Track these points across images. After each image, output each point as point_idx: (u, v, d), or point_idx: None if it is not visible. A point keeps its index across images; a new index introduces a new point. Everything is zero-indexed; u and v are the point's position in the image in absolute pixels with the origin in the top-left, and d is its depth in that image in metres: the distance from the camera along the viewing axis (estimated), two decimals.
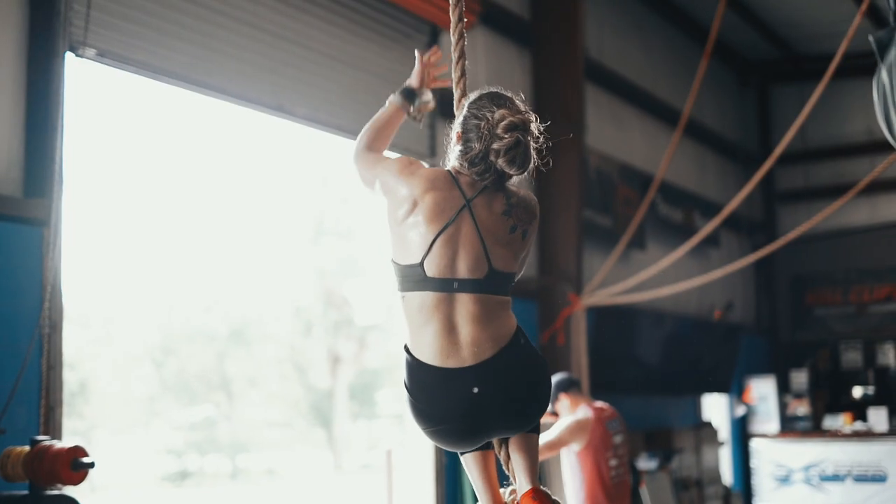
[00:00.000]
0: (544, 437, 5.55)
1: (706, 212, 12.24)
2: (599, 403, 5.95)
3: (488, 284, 2.84)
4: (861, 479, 11.38)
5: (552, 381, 5.26)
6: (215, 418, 22.94)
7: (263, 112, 6.53)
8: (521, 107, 2.97)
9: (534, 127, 2.93)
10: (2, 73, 5.13)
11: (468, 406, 2.80)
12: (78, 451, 4.52)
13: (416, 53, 3.41)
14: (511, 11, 9.05)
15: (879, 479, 11.31)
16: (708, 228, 9.13)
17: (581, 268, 9.11)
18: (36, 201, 5.11)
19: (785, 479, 11.80)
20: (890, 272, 13.26)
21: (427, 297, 2.83)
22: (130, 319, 21.08)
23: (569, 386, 5.91)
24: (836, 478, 11.52)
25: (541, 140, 2.95)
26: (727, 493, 11.48)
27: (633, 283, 8.95)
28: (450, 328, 2.82)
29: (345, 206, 23.97)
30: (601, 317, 9.51)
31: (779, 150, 8.58)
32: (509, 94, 3.01)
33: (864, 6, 8.22)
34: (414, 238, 2.87)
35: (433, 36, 7.89)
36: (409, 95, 3.37)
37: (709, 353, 11.50)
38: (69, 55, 5.33)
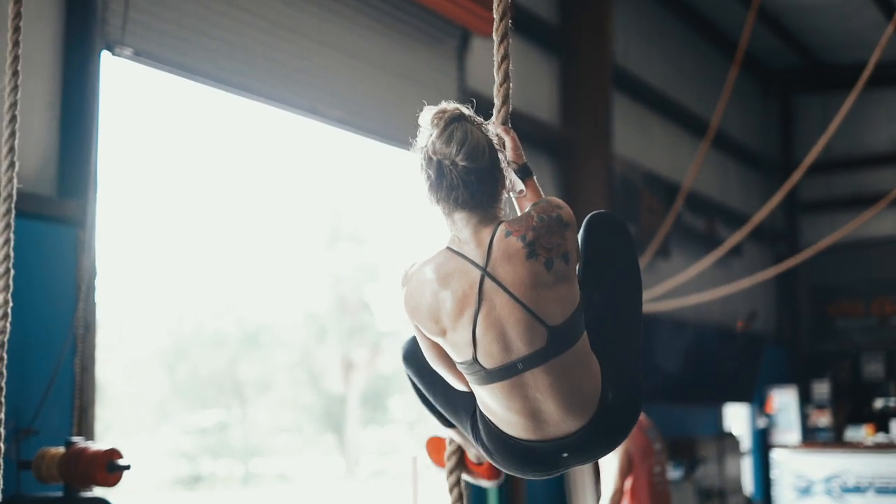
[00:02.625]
0: (610, 489, 5.46)
1: (728, 221, 12.20)
2: None
3: (554, 346, 2.45)
4: (883, 491, 11.30)
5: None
6: (227, 422, 22.92)
7: (296, 114, 6.50)
8: (459, 134, 2.56)
9: (462, 112, 2.60)
10: (38, 71, 5.10)
11: (553, 466, 2.57)
12: (114, 454, 4.48)
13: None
14: (540, 17, 9.02)
15: None
16: (734, 239, 9.10)
17: None
18: (71, 201, 5.08)
19: (806, 491, 11.71)
20: None
21: (496, 388, 2.48)
22: (143, 322, 21.08)
23: None
24: (857, 490, 11.43)
25: (478, 123, 2.61)
26: (748, 503, 11.42)
27: (659, 292, 8.91)
28: (530, 408, 2.49)
29: (361, 211, 23.99)
30: None
31: (809, 160, 8.55)
32: (462, 119, 2.62)
33: None
34: (457, 340, 2.49)
35: (464, 40, 7.86)
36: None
37: (731, 362, 11.43)
38: (105, 54, 5.30)
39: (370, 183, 21.38)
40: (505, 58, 2.95)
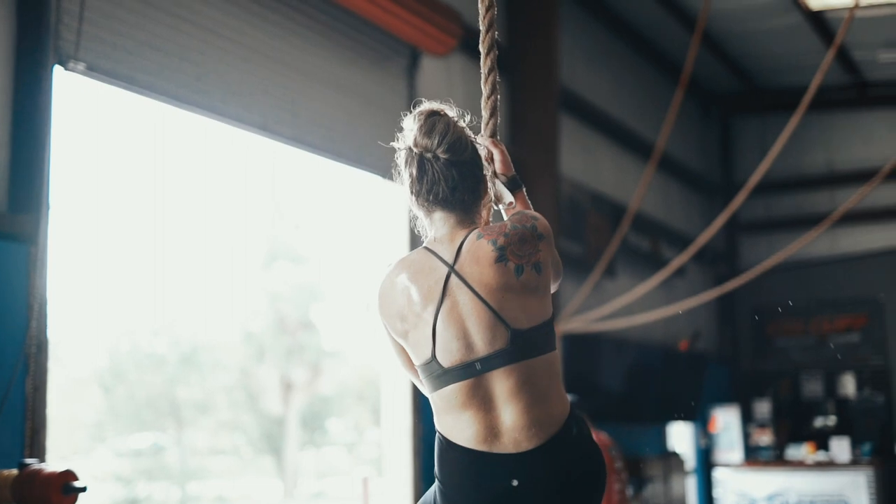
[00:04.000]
0: None
1: (672, 241, 12.32)
2: (599, 432, 5.92)
3: (516, 350, 2.39)
4: None
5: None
6: (163, 445, 22.60)
7: (248, 131, 6.44)
8: (440, 128, 2.62)
9: (444, 112, 2.63)
10: None
11: (505, 498, 2.38)
12: (69, 475, 4.39)
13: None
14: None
15: None
16: (680, 260, 9.19)
17: (556, 295, 9.08)
18: (22, 217, 4.98)
19: None
20: (850, 303, 13.40)
21: (453, 390, 2.41)
22: (80, 342, 20.75)
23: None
24: None
25: (460, 123, 2.64)
26: None
27: (606, 312, 8.96)
28: (487, 411, 2.40)
29: (301, 229, 23.87)
30: (572, 344, 9.50)
31: (753, 182, 8.68)
32: (439, 117, 2.66)
33: (837, 41, 8.37)
34: (419, 338, 2.46)
35: (413, 59, 7.86)
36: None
37: (675, 381, 11.53)
38: (58, 69, 5.21)
39: (313, 201, 21.31)
40: (492, 70, 2.98)
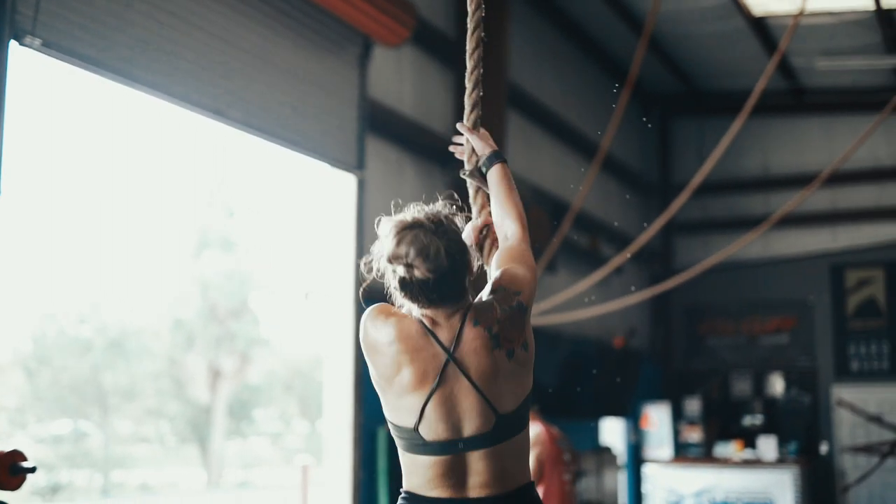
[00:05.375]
0: None
1: (609, 238, 12.44)
2: (549, 424, 5.97)
3: (499, 433, 2.54)
4: None
5: None
6: (85, 432, 22.30)
7: (200, 114, 6.38)
8: (413, 212, 2.67)
9: (430, 221, 2.62)
10: None
11: None
12: (17, 456, 4.33)
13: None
14: (439, 30, 9.07)
15: None
16: (620, 259, 9.29)
17: None
18: None
19: None
20: (780, 305, 13.66)
21: (431, 461, 2.54)
22: (2, 326, 20.38)
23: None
24: None
25: (460, 240, 2.65)
26: None
27: (548, 307, 9.03)
28: (459, 480, 2.55)
29: (229, 218, 23.67)
30: None
31: (695, 183, 8.80)
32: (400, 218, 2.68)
33: (782, 45, 8.52)
34: (403, 404, 2.55)
35: (366, 48, 7.85)
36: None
37: (609, 377, 11.65)
38: (13, 44, 5.12)
39: (251, 188, 21.17)
40: (476, 66, 3.06)
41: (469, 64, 3.11)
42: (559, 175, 11.45)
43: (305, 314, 24.20)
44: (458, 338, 2.55)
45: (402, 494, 2.63)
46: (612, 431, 12.79)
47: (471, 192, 3.12)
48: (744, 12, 10.79)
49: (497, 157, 2.98)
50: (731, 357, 13.82)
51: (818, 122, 13.58)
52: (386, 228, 2.63)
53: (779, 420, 13.19)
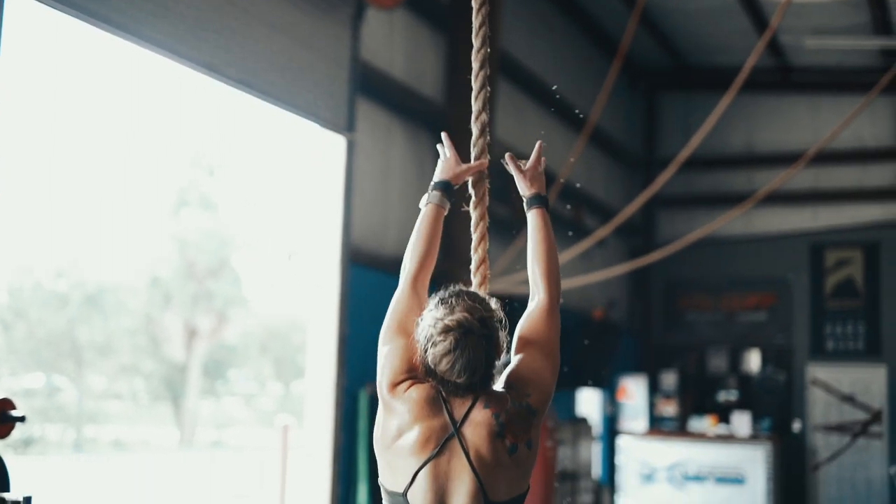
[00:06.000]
0: None
1: (593, 211, 12.46)
2: None
3: None
4: (722, 480, 11.78)
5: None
6: (58, 386, 22.26)
7: (194, 69, 6.33)
8: (468, 304, 2.60)
9: (480, 323, 2.57)
10: None
11: None
12: (6, 404, 4.31)
13: (444, 144, 3.07)
14: None
15: (738, 481, 11.72)
16: (603, 232, 9.31)
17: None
18: None
19: (649, 477, 12.11)
20: (759, 282, 13.73)
21: None
22: None
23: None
24: (698, 478, 11.89)
25: (502, 336, 2.63)
26: (598, 487, 11.71)
27: (523, 276, 9.05)
28: None
29: (210, 177, 23.57)
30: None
31: (682, 157, 8.81)
32: (463, 292, 2.66)
33: (774, 22, 8.52)
34: (399, 466, 2.54)
35: (359, 9, 7.80)
36: (447, 188, 2.97)
37: (587, 349, 11.70)
38: None
39: (233, 146, 21.06)
40: (483, 66, 3.03)
41: (475, 63, 3.05)
42: (547, 145, 11.43)
43: (288, 275, 24.18)
44: (466, 415, 2.54)
45: None
46: (588, 402, 12.85)
47: (474, 198, 3.08)
48: None
49: (540, 201, 2.94)
50: (708, 332, 13.90)
51: (804, 100, 13.60)
52: (439, 325, 2.55)
53: (753, 397, 13.30)
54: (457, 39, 9.36)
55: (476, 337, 2.54)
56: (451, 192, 3.00)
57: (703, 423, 12.63)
